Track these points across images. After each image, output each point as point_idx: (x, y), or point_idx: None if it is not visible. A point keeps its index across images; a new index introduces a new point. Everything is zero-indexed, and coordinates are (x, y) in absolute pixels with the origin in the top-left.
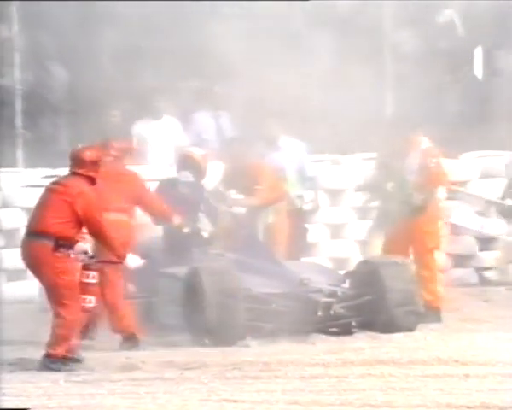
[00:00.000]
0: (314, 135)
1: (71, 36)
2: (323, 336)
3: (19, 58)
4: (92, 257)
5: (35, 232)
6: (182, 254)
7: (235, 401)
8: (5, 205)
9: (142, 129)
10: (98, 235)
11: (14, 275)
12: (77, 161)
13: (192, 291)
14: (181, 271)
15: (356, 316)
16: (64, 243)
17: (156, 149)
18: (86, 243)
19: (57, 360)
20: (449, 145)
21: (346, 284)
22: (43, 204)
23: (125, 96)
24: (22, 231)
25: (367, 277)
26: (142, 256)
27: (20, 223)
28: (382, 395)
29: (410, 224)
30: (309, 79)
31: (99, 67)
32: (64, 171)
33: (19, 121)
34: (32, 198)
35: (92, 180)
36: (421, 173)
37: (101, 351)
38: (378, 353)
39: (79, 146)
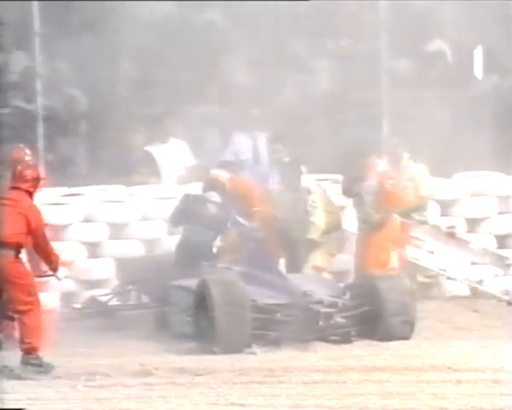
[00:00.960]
0: (317, 155)
1: (89, 64)
2: (324, 344)
3: (41, 85)
4: (42, 269)
5: None
6: (192, 267)
7: (242, 405)
8: None
9: (152, 151)
10: (41, 247)
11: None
12: (19, 178)
13: (202, 302)
14: (191, 283)
15: (355, 325)
16: (19, 252)
17: (165, 169)
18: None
19: (35, 355)
20: (442, 165)
21: (346, 296)
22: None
23: (140, 120)
24: None
25: (365, 289)
26: (155, 269)
27: None
28: (380, 399)
29: (365, 240)
30: (310, 101)
31: (115, 93)
32: (82, 190)
33: (40, 144)
34: (53, 215)
35: (31, 194)
36: (378, 194)
37: (116, 358)
38: (376, 360)
39: (22, 164)
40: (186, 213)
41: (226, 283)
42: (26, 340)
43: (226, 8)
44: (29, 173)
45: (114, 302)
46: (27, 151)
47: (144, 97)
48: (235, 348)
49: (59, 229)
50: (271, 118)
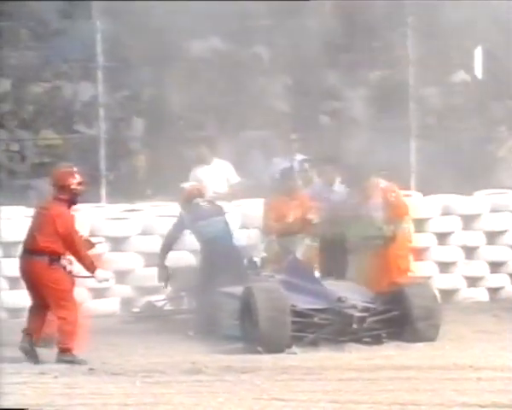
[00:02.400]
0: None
1: (146, 92)
2: (358, 345)
3: (103, 112)
4: (70, 272)
5: (31, 251)
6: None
7: (283, 400)
8: (92, 234)
9: (197, 173)
10: (73, 251)
11: (99, 293)
12: (58, 188)
13: (247, 307)
14: (238, 290)
15: (385, 328)
16: (56, 258)
17: (211, 187)
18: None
19: (70, 354)
20: (464, 184)
21: (377, 302)
22: (34, 226)
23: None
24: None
25: (394, 295)
26: (202, 277)
27: (103, 249)
28: (408, 395)
29: (383, 252)
30: (346, 127)
31: (169, 118)
32: (140, 206)
33: (103, 164)
34: (114, 228)
35: (70, 203)
36: (386, 208)
37: (170, 357)
38: (404, 359)
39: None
40: (189, 221)
41: (269, 290)
42: (62, 342)
43: (269, 42)
44: (65, 183)
45: (169, 307)
46: (75, 170)
47: (196, 122)
48: (276, 348)
49: (120, 241)
50: (309, 142)
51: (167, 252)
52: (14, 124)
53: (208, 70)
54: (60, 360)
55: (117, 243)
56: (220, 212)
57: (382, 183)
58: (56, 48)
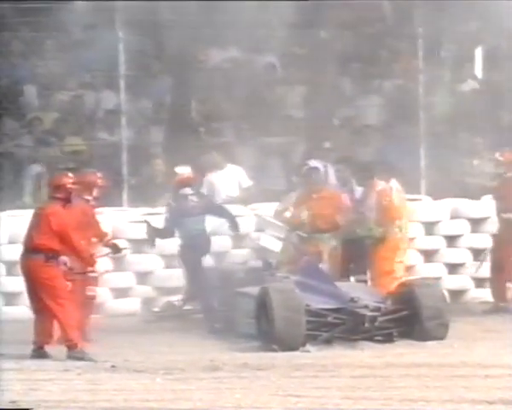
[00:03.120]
0: None
1: (167, 101)
2: (370, 344)
3: (125, 120)
4: (71, 269)
5: (28, 249)
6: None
7: (298, 396)
8: (115, 236)
9: (211, 178)
10: (70, 248)
11: (120, 293)
12: (52, 187)
13: (263, 307)
14: (254, 290)
15: (396, 327)
16: (52, 256)
17: (222, 191)
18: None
19: (78, 349)
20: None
21: (388, 301)
22: (31, 226)
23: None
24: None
25: (405, 295)
26: (222, 278)
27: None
28: (418, 391)
29: (371, 253)
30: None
31: (187, 125)
32: (160, 209)
33: (124, 170)
34: (136, 231)
35: (65, 200)
36: (378, 211)
37: (189, 354)
38: (415, 357)
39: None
40: (175, 214)
41: (284, 290)
42: (67, 337)
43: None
44: (57, 182)
45: (188, 307)
46: (99, 175)
47: (214, 129)
48: (291, 346)
49: (141, 243)
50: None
51: (158, 235)
52: (41, 130)
53: (226, 79)
54: (70, 357)
55: (138, 245)
56: (208, 206)
57: (381, 184)
58: (80, 57)
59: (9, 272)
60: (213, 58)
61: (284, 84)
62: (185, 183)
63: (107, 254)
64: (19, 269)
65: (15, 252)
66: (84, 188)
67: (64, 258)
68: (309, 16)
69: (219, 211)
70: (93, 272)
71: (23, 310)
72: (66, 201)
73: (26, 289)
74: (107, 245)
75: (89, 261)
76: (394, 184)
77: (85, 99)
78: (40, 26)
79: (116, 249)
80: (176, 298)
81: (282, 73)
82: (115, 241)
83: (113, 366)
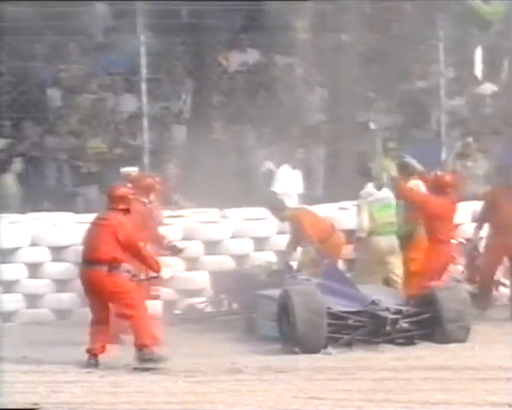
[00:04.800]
0: None
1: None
2: (391, 346)
3: (147, 123)
4: (134, 275)
5: (90, 261)
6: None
7: (319, 399)
8: None
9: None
10: (137, 256)
11: None
12: (111, 198)
13: (284, 309)
14: (275, 293)
15: (417, 330)
16: (115, 266)
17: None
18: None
19: (147, 350)
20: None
21: (409, 304)
22: (93, 237)
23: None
24: None
25: (426, 298)
26: (244, 280)
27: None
28: (440, 394)
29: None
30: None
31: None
32: (181, 212)
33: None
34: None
35: (126, 211)
36: (407, 209)
37: (211, 357)
38: (436, 360)
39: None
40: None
41: (305, 293)
42: (137, 340)
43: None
44: (119, 193)
45: (209, 309)
46: (156, 178)
47: (235, 132)
48: (313, 349)
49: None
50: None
51: None
52: (64, 132)
53: (246, 82)
54: (139, 359)
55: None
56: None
57: (411, 183)
58: (102, 61)
59: (31, 275)
60: (234, 61)
61: (306, 87)
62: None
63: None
64: (41, 272)
65: (37, 254)
66: (141, 191)
67: (127, 265)
68: (329, 18)
69: None
70: (158, 277)
71: (45, 312)
72: (127, 211)
73: (86, 298)
74: (166, 248)
75: (155, 268)
76: (420, 184)
77: (107, 102)
78: (63, 29)
79: (176, 251)
80: (198, 300)
81: (304, 75)
82: (174, 243)
83: (135, 369)
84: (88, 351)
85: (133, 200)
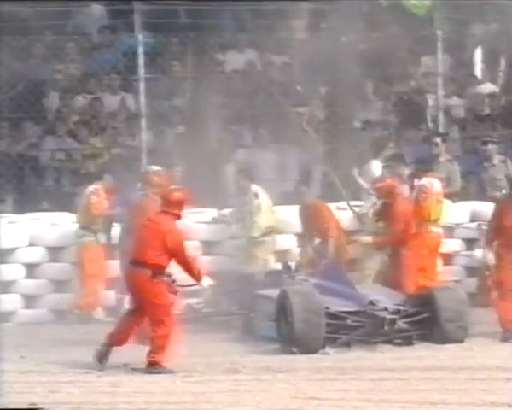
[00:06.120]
0: None
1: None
2: (389, 346)
3: (145, 123)
4: (174, 281)
5: (137, 262)
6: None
7: (318, 399)
8: None
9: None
10: (183, 263)
11: None
12: (165, 202)
13: (283, 309)
14: (274, 293)
15: (415, 330)
16: (159, 271)
17: None
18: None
19: (158, 366)
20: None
21: (408, 304)
22: (142, 239)
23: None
24: None
25: (424, 298)
26: (242, 280)
27: None
28: (438, 394)
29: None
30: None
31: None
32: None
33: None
34: None
35: (178, 217)
36: (415, 205)
37: (209, 357)
38: (434, 360)
39: (168, 189)
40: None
41: (303, 293)
42: (151, 354)
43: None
44: (174, 197)
45: (207, 309)
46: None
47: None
48: (311, 349)
49: None
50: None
51: None
52: (62, 132)
53: (244, 81)
54: (148, 372)
55: None
56: None
57: (422, 180)
58: (100, 60)
59: (29, 275)
60: (231, 60)
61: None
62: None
63: None
64: (39, 272)
65: (35, 255)
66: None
67: (169, 271)
68: (328, 18)
69: None
70: (198, 285)
71: (43, 313)
72: (179, 216)
73: (128, 294)
74: None
75: (197, 277)
76: (434, 182)
77: (104, 102)
78: (60, 29)
79: None
80: (196, 301)
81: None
82: None
83: (133, 369)
84: (108, 338)
85: (149, 199)
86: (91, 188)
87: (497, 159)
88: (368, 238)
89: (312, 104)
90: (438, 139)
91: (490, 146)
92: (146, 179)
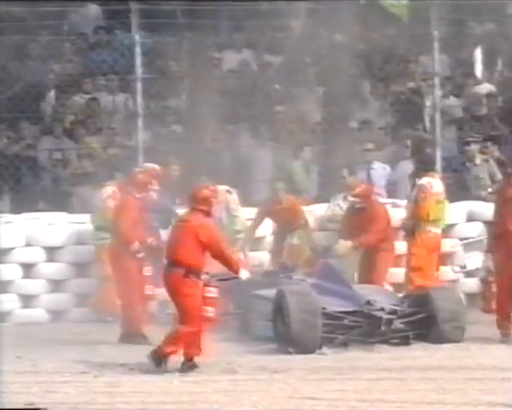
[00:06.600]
0: None
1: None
2: (386, 346)
3: (142, 122)
4: (213, 276)
5: (171, 262)
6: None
7: (315, 399)
8: None
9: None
10: (220, 257)
11: None
12: (193, 199)
13: (279, 309)
14: (270, 293)
15: (412, 330)
16: (193, 271)
17: None
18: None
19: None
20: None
21: (404, 304)
22: (174, 239)
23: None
24: None
25: (421, 298)
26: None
27: None
28: (435, 394)
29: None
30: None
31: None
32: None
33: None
34: None
35: (207, 213)
36: (414, 205)
37: (205, 357)
38: (431, 360)
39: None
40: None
41: (300, 293)
42: (186, 350)
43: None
44: (202, 194)
45: None
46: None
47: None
48: (308, 349)
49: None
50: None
51: None
52: (59, 132)
53: (240, 81)
54: (183, 370)
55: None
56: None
57: (423, 180)
58: (97, 60)
59: (26, 275)
60: (228, 60)
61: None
62: (152, 176)
63: None
64: (35, 272)
65: (31, 254)
66: (137, 187)
67: (205, 268)
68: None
69: (166, 211)
70: (237, 278)
71: (40, 312)
72: (208, 213)
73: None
74: (149, 247)
75: (235, 268)
76: (433, 182)
77: (101, 102)
78: (57, 29)
79: (159, 251)
80: None
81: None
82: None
83: (130, 369)
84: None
85: (129, 196)
86: (108, 190)
87: (479, 158)
88: (347, 243)
89: (296, 103)
90: (408, 141)
91: (472, 146)
92: (130, 177)
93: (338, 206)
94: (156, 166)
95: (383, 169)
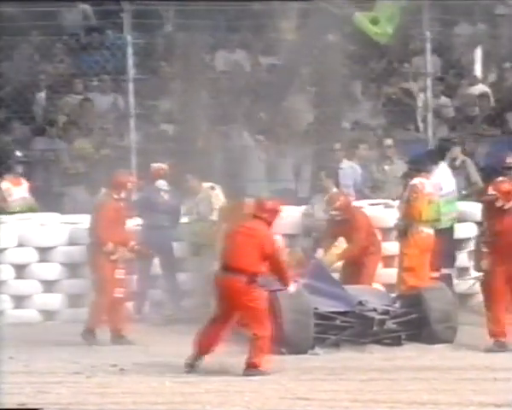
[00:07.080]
0: None
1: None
2: (378, 347)
3: (134, 123)
4: (263, 286)
5: (230, 269)
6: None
7: (307, 399)
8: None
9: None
10: (278, 270)
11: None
12: (259, 208)
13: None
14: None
15: (405, 330)
16: (254, 278)
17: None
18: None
19: (256, 369)
20: None
21: (397, 305)
22: (235, 245)
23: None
24: None
25: (413, 299)
26: None
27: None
28: (427, 394)
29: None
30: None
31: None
32: None
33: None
34: None
35: (269, 224)
36: (406, 205)
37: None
38: (423, 360)
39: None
40: (143, 205)
41: (292, 293)
42: (251, 358)
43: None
44: (270, 205)
45: (197, 310)
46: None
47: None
48: (300, 349)
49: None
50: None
51: None
52: (51, 133)
53: (232, 82)
54: (246, 374)
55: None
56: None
57: (415, 181)
58: (88, 61)
59: (18, 275)
60: (220, 61)
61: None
62: (160, 176)
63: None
64: (28, 272)
65: (24, 255)
66: (115, 188)
67: (264, 276)
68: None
69: (174, 211)
70: (286, 290)
71: (32, 313)
72: (271, 224)
73: (216, 300)
74: (131, 250)
75: (287, 282)
76: (425, 183)
77: (94, 102)
78: (49, 29)
79: (142, 254)
80: (186, 302)
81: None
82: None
83: (122, 370)
84: (196, 350)
85: (107, 197)
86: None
87: (459, 159)
88: (333, 252)
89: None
90: (389, 141)
91: (454, 147)
92: (112, 180)
93: (314, 205)
94: (163, 166)
95: (351, 168)
